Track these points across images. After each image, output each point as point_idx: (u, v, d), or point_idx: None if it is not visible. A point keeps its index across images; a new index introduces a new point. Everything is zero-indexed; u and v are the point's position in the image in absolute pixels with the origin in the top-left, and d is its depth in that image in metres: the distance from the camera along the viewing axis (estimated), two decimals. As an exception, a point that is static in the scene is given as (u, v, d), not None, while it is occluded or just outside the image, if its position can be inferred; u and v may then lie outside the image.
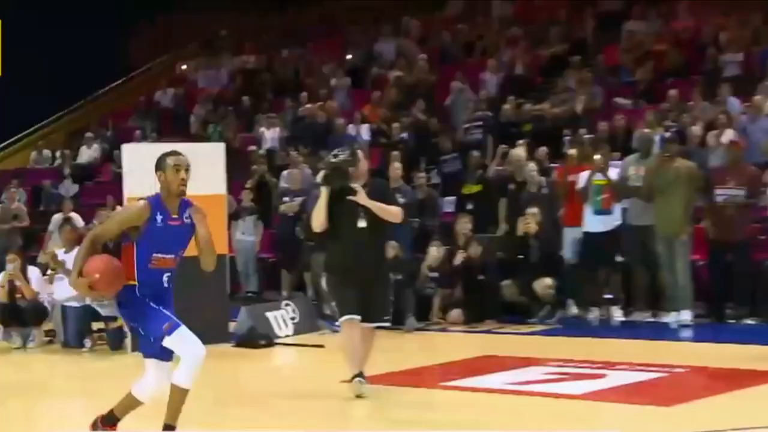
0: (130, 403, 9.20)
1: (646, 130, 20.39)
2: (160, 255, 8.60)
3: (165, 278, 8.74)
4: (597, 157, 18.44)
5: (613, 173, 18.28)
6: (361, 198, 11.40)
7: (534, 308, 18.15)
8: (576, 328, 17.70)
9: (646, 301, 18.25)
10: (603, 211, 17.95)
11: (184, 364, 8.67)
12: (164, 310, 8.76)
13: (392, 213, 11.57)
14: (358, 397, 11.27)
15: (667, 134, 19.76)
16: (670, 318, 17.54)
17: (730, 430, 9.75)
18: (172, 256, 8.71)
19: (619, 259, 18.27)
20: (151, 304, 8.66)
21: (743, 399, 11.48)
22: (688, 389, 12.09)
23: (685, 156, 18.67)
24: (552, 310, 18.16)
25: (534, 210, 18.45)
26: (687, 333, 17.10)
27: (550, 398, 11.69)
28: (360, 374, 11.38)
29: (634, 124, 21.89)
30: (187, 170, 8.75)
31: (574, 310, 18.62)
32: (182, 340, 8.66)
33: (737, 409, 10.97)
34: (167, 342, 8.67)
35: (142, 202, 8.63)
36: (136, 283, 8.64)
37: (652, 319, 18.02)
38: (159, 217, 8.59)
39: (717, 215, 17.75)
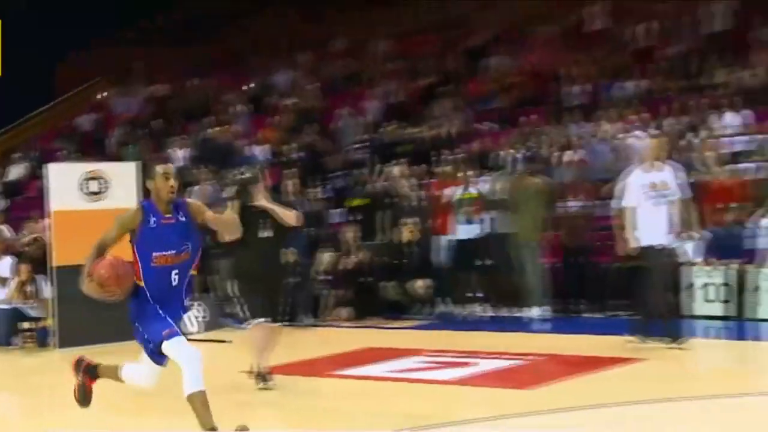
0: (114, 375, 8.98)
1: (507, 151, 20.88)
2: (159, 253, 8.24)
3: (173, 275, 8.33)
4: (465, 174, 18.82)
5: (480, 188, 18.68)
6: (265, 202, 11.67)
7: (412, 306, 18.37)
8: (448, 322, 17.87)
9: (509, 299, 18.42)
10: (470, 220, 18.28)
11: (186, 372, 8.25)
12: (167, 318, 8.38)
13: (291, 216, 11.70)
14: (263, 389, 11.38)
15: (524, 154, 20.19)
16: (528, 312, 17.87)
17: (581, 407, 9.96)
18: (173, 252, 8.30)
19: (486, 262, 18.49)
20: (157, 307, 8.36)
21: (592, 381, 11.72)
22: (544, 374, 12.19)
23: (539, 173, 19.05)
24: (428, 308, 18.44)
25: (411, 220, 18.72)
26: (544, 326, 17.39)
27: (424, 384, 11.81)
28: (264, 370, 11.51)
29: (496, 145, 22.08)
30: (175, 178, 8.45)
31: (446, 307, 18.71)
32: (179, 346, 8.31)
33: (587, 390, 11.19)
34: (165, 347, 8.34)
35: (135, 206, 8.44)
36: (142, 283, 8.30)
37: (512, 314, 18.17)
38: (152, 219, 8.30)
39: (567, 224, 18.21)
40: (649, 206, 13.57)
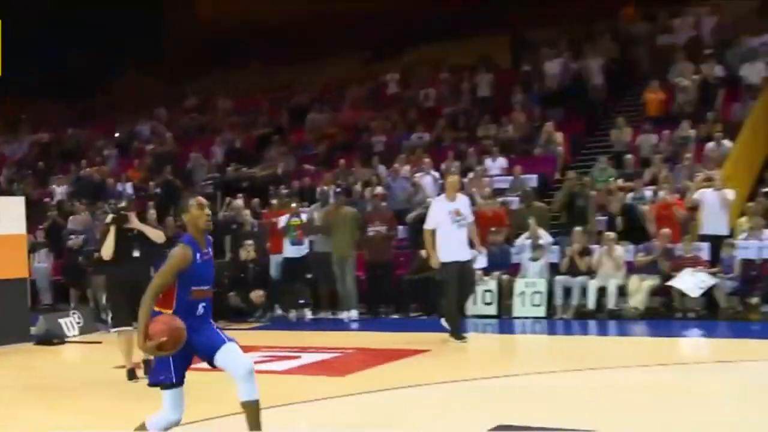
0: None
1: (325, 187, 21.24)
2: (198, 288, 7.29)
3: (201, 307, 7.36)
4: (292, 205, 19.13)
5: (303, 216, 18.91)
6: (136, 223, 11.80)
7: (252, 312, 18.42)
8: (280, 324, 17.96)
9: (328, 304, 18.71)
10: (297, 242, 18.43)
11: (239, 379, 7.36)
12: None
13: (158, 234, 11.85)
14: (130, 380, 11.42)
15: (338, 190, 20.51)
16: (344, 315, 18.14)
17: (386, 389, 10.27)
18: (208, 287, 7.46)
19: (309, 276, 18.68)
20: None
21: (393, 368, 12.01)
22: (357, 364, 12.39)
23: (350, 204, 19.44)
24: (264, 313, 18.53)
25: (250, 242, 18.79)
26: (355, 325, 17.62)
27: (262, 374, 11.94)
28: (132, 366, 11.55)
29: (316, 182, 22.32)
30: (209, 208, 7.59)
31: (279, 311, 18.83)
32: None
33: (389, 375, 11.47)
34: (218, 359, 7.33)
35: (182, 246, 7.27)
36: (170, 311, 7.27)
37: (332, 317, 18.40)
38: (198, 255, 7.30)
39: (372, 244, 18.61)
40: (453, 229, 13.82)
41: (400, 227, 19.48)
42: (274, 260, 19.09)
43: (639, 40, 25.20)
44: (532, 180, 20.85)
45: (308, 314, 18.49)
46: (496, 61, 27.26)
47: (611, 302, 16.70)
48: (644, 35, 25.23)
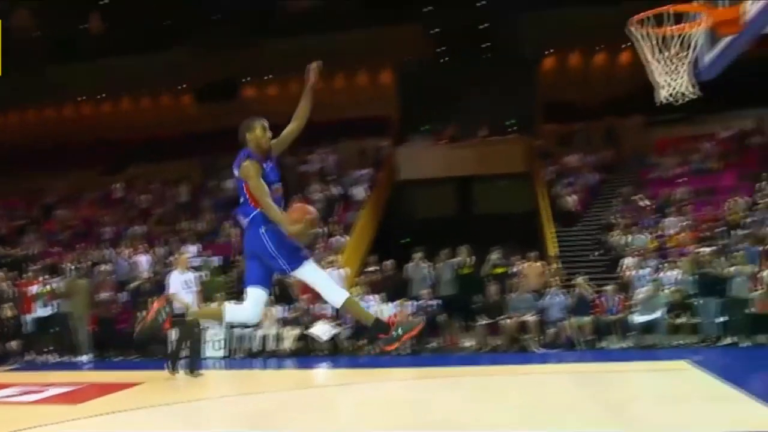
0: (215, 314, 6.80)
1: (68, 264, 20.36)
2: (276, 185, 6.32)
3: (282, 203, 6.31)
4: (41, 277, 18.44)
5: (51, 285, 18.21)
6: None
7: (8, 357, 17.41)
8: (32, 367, 17.00)
9: (68, 350, 17.66)
10: (46, 305, 17.86)
11: (327, 288, 6.18)
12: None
13: None
14: None
15: (77, 266, 19.85)
16: (80, 358, 17.33)
17: (112, 412, 9.96)
18: (281, 184, 6.42)
19: (54, 329, 17.75)
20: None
21: (117, 396, 11.55)
22: (89, 394, 11.75)
23: (84, 277, 18.92)
24: (19, 357, 17.55)
25: (10, 305, 17.96)
26: (88, 366, 16.82)
27: (17, 405, 11.11)
28: None
29: (61, 260, 21.41)
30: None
31: (31, 356, 17.73)
32: (315, 270, 6.29)
33: (115, 402, 11.01)
34: (301, 272, 6.18)
35: (247, 160, 6.28)
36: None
37: (71, 360, 17.42)
38: (265, 165, 6.32)
39: (100, 306, 18.28)
40: (185, 293, 13.43)
41: (122, 293, 19.37)
42: (28, 318, 18.26)
43: (287, 167, 26.18)
44: (216, 260, 21.02)
45: (53, 359, 17.73)
46: (192, 177, 27.42)
47: (271, 345, 17.03)
48: (290, 163, 26.08)
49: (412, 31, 27.74)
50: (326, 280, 6.16)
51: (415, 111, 28.89)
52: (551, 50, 29.09)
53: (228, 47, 27.80)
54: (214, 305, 5.81)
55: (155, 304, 6.86)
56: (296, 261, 6.15)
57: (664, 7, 4.09)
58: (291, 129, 6.77)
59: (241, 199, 6.34)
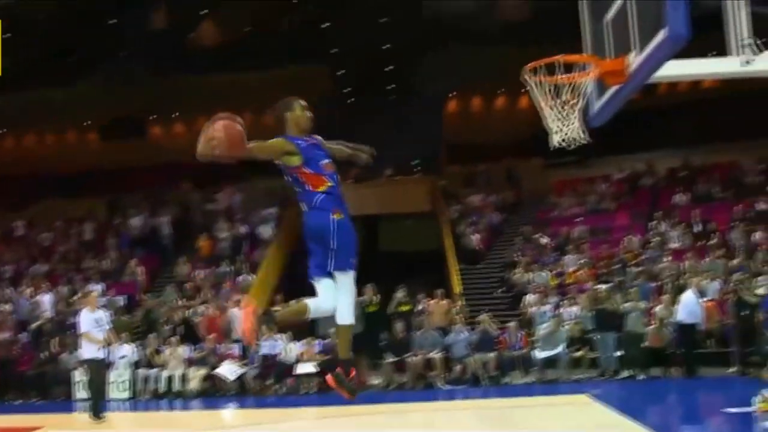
0: (300, 310, 5.80)
1: None
2: (324, 161, 5.77)
3: (337, 179, 5.76)
4: None
5: None
6: None
7: None
8: None
9: None
10: None
11: (347, 303, 5.71)
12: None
13: None
14: None
15: None
16: None
17: None
18: (330, 160, 5.83)
19: None
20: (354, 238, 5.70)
21: None
22: None
23: None
24: None
25: None
26: None
27: None
28: None
29: None
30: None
31: None
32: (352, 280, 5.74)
33: None
34: (344, 276, 5.69)
35: (276, 139, 5.81)
36: (330, 183, 5.71)
37: None
38: (300, 142, 5.80)
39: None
40: (97, 332, 13.10)
41: (23, 334, 18.95)
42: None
43: (194, 205, 26.01)
44: (121, 300, 20.61)
45: None
46: (97, 215, 26.92)
47: (176, 386, 16.83)
48: (197, 201, 26.13)
49: (318, 72, 27.99)
50: (352, 297, 5.75)
51: (321, 150, 28.96)
52: (454, 93, 29.73)
53: (135, 83, 27.46)
54: (293, 302, 5.28)
55: None
56: (344, 264, 5.70)
57: (555, 57, 4.32)
58: (345, 151, 6.27)
59: (299, 189, 5.78)
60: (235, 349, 17.44)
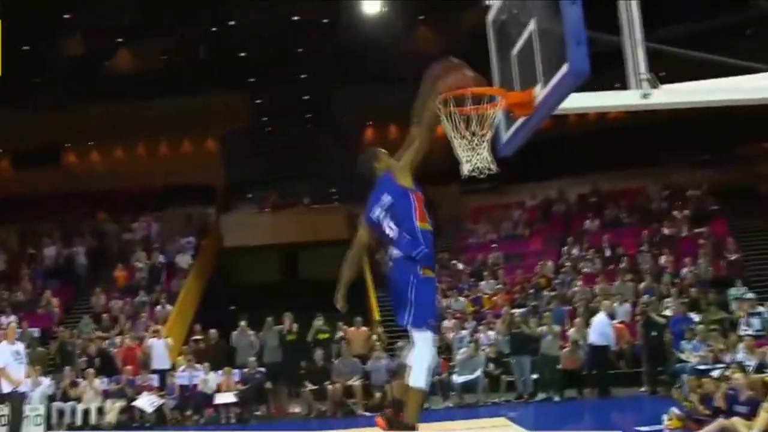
0: (417, 398, 5.29)
1: None
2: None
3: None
4: None
5: None
6: None
7: None
8: None
9: None
10: None
11: (423, 365, 5.30)
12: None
13: None
14: None
15: None
16: None
17: None
18: None
19: None
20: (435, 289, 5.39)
21: None
22: None
23: None
24: None
25: None
26: None
27: None
28: None
29: None
30: None
31: None
32: (431, 341, 5.35)
33: None
34: (423, 336, 5.31)
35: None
36: (427, 226, 5.31)
37: None
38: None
39: None
40: (16, 365, 12.63)
41: None
42: None
43: (110, 235, 25.62)
44: (35, 331, 20.06)
45: None
46: (9, 244, 26.14)
47: (93, 419, 16.43)
48: (113, 232, 25.72)
49: (237, 100, 27.95)
50: (427, 359, 5.29)
51: (240, 179, 28.96)
52: (371, 122, 30.00)
53: (49, 111, 26.93)
54: (396, 391, 4.87)
55: None
56: (421, 322, 5.32)
57: (465, 89, 4.45)
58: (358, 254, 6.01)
59: (395, 225, 5.37)
60: (153, 380, 17.12)
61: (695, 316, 16.11)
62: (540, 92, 4.30)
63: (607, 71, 5.00)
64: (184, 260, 23.42)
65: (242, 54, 26.24)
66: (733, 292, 17.35)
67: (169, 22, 23.81)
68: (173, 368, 17.48)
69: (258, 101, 28.76)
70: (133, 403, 16.48)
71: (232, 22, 24.49)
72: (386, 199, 5.44)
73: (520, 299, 19.38)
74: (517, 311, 18.03)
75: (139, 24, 25.05)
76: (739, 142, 25.16)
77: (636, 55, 4.65)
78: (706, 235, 20.67)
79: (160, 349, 17.57)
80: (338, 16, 24.26)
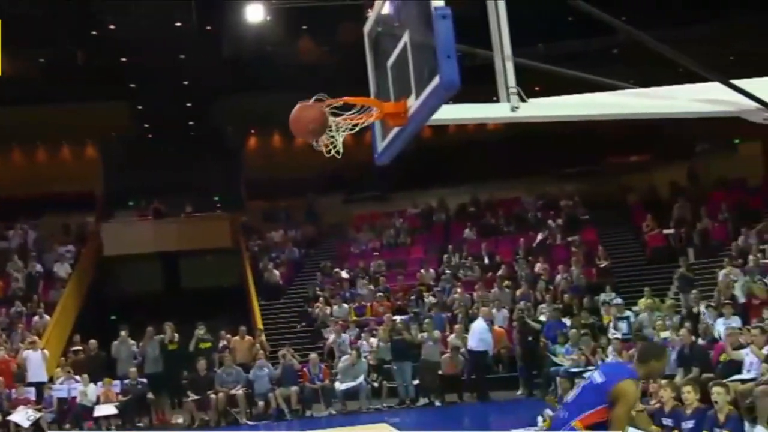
0: None
1: None
2: None
3: None
4: None
5: None
6: None
7: None
8: None
9: None
10: None
11: None
12: None
13: None
14: None
15: None
16: None
17: None
18: None
19: None
20: None
21: None
22: None
23: None
24: None
25: None
26: None
27: None
28: None
29: None
30: None
31: None
32: None
33: None
34: None
35: (633, 383, 4.81)
36: None
37: None
38: None
39: None
40: None
41: None
42: None
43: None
44: None
45: None
46: None
47: None
48: None
49: (117, 107, 27.27)
50: None
51: (120, 186, 28.26)
52: (254, 130, 29.80)
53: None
54: None
55: None
56: None
57: (340, 99, 4.53)
58: None
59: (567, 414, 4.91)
60: (30, 393, 16.41)
61: (568, 321, 16.66)
62: (413, 103, 4.40)
63: (488, 85, 5.16)
64: (62, 269, 22.64)
65: (123, 59, 25.63)
66: (603, 297, 18.04)
67: (48, 25, 23.02)
68: (51, 380, 16.90)
69: (139, 108, 28.13)
70: (9, 418, 15.79)
71: (112, 27, 23.87)
72: (600, 377, 5.01)
73: (401, 306, 19.59)
74: (398, 318, 18.24)
75: (16, 27, 24.12)
76: (609, 155, 26.24)
77: (505, 70, 4.82)
78: (577, 243, 21.41)
79: (36, 361, 16.92)
80: (221, 24, 24.03)
